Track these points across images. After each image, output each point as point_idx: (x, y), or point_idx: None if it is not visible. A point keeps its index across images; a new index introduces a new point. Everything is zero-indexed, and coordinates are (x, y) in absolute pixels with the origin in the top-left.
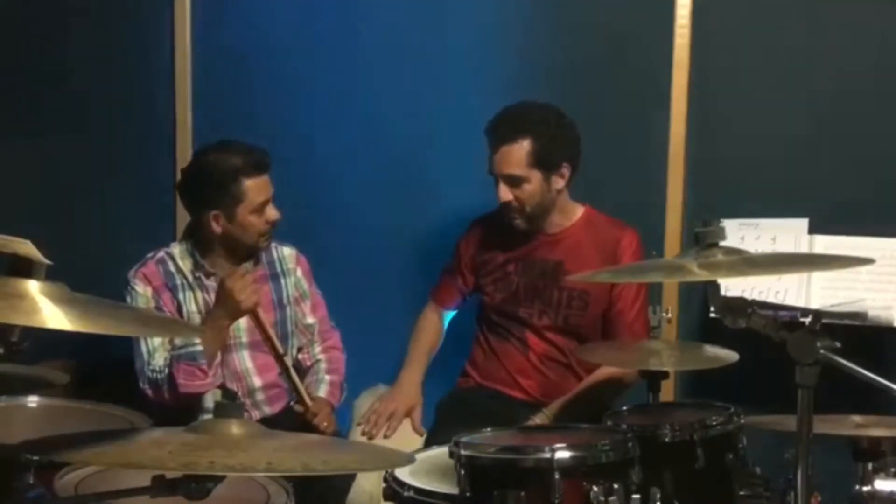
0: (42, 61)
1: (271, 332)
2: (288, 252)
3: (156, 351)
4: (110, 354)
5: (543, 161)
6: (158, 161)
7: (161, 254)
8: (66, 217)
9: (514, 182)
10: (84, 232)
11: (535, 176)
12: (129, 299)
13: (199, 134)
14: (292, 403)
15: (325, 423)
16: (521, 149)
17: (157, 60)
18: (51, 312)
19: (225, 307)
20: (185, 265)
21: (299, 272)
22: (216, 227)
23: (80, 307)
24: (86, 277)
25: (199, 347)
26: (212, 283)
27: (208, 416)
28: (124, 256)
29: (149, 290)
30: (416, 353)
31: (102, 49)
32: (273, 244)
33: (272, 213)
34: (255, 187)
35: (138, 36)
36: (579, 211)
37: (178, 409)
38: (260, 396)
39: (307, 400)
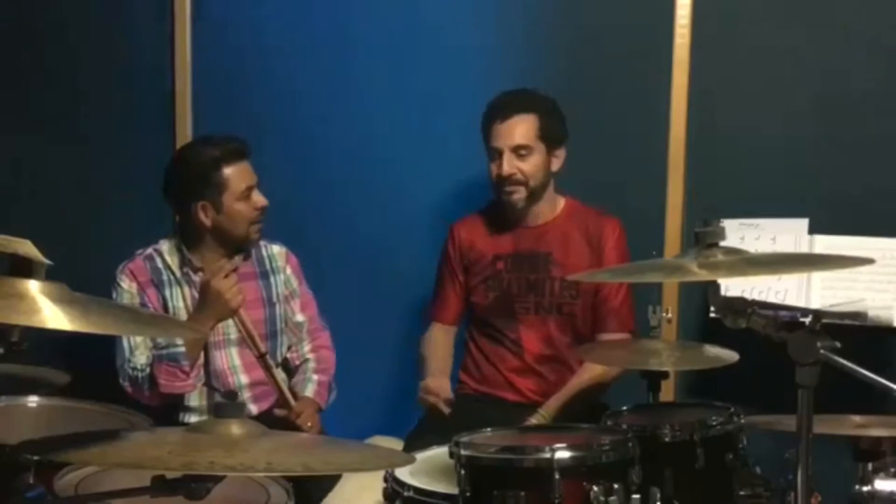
0: (41, 61)
1: (253, 332)
2: (277, 250)
3: (137, 349)
4: (110, 355)
5: (548, 135)
6: (158, 162)
7: (149, 250)
8: (66, 217)
9: (521, 153)
10: (84, 232)
11: (541, 149)
12: (114, 295)
13: (199, 134)
14: (275, 410)
15: (309, 424)
16: (530, 120)
17: (158, 60)
18: (51, 312)
19: (213, 308)
20: (173, 261)
21: (289, 270)
22: (205, 220)
23: (80, 307)
24: (86, 277)
25: (182, 348)
26: (199, 279)
27: (191, 416)
28: (124, 257)
29: (134, 286)
30: (434, 363)
31: (102, 49)
32: (262, 242)
33: (259, 199)
34: (237, 174)
35: (138, 36)
36: (562, 202)
37: (158, 408)
38: (247, 394)
39: (290, 400)
